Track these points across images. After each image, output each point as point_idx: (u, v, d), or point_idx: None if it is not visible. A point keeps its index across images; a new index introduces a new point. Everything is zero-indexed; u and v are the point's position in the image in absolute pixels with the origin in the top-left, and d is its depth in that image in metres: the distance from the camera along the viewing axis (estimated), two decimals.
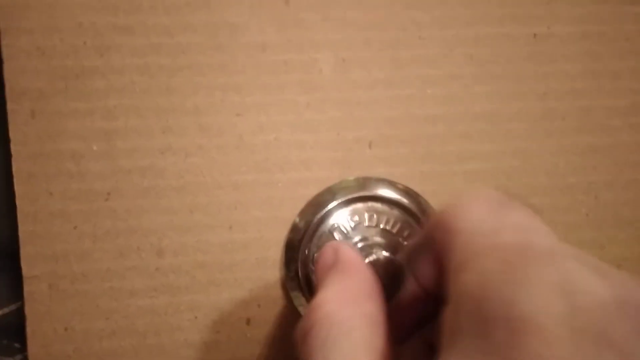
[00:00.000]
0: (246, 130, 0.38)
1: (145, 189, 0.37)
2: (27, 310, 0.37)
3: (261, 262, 0.38)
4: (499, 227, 0.24)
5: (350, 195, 0.38)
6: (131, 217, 0.37)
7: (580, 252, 0.22)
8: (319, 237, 0.38)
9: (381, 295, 0.28)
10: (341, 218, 0.38)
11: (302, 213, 0.38)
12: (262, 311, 0.39)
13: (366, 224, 0.38)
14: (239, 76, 0.38)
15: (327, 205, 0.38)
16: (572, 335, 0.19)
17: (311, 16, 0.38)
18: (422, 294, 0.28)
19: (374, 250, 0.35)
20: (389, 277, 0.31)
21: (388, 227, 0.38)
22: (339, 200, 0.38)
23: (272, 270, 0.38)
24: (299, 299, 0.38)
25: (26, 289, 0.37)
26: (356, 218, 0.38)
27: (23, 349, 0.37)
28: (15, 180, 0.36)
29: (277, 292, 0.39)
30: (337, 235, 0.38)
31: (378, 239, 0.38)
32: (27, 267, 0.36)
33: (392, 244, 0.37)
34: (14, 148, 0.36)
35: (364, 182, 0.39)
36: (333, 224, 0.38)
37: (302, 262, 0.38)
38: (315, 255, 0.38)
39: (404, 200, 0.39)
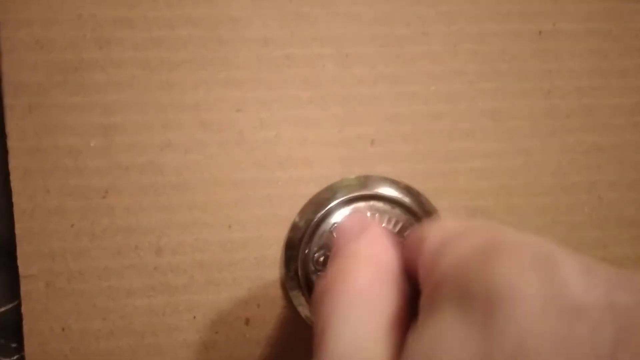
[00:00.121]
0: (247, 127, 0.37)
1: (143, 186, 0.37)
2: (24, 309, 0.36)
3: (260, 262, 0.38)
4: (470, 227, 0.25)
5: (352, 194, 0.38)
6: (129, 214, 0.37)
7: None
8: (319, 236, 0.38)
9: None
10: (342, 217, 0.38)
11: (303, 212, 0.38)
12: (261, 311, 0.38)
13: None
14: (240, 71, 0.37)
15: (328, 204, 0.38)
16: (544, 305, 0.20)
17: (314, 11, 0.38)
18: None
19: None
20: None
21: (390, 226, 0.38)
22: (340, 199, 0.38)
23: (271, 269, 0.38)
24: (298, 299, 0.38)
25: (23, 287, 0.36)
26: None
27: (20, 348, 0.37)
28: (12, 176, 0.36)
29: (277, 292, 0.38)
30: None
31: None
32: (24, 266, 0.36)
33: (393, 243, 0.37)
34: (11, 144, 0.36)
35: (366, 180, 0.39)
36: (334, 223, 0.38)
37: (302, 262, 0.37)
38: (315, 254, 0.37)
39: (406, 199, 0.38)
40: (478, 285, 0.21)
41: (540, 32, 0.40)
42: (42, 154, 0.36)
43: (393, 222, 0.38)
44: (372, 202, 0.38)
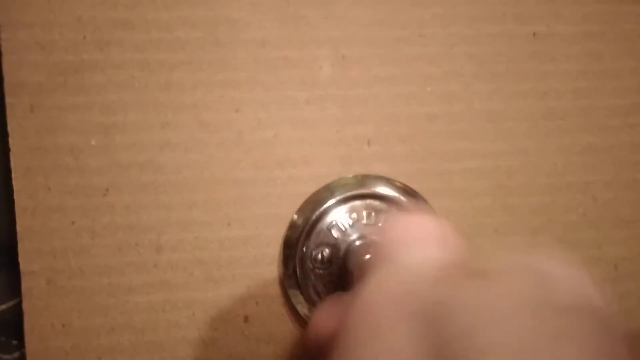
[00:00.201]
0: (245, 127, 0.38)
1: (143, 184, 0.37)
2: (25, 306, 0.37)
3: (259, 259, 0.38)
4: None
5: (349, 193, 0.38)
6: (130, 212, 0.37)
7: None
8: (317, 234, 0.38)
9: None
10: (339, 215, 0.38)
11: (301, 210, 0.38)
12: (259, 308, 0.38)
13: (364, 221, 0.38)
14: (239, 72, 0.38)
15: (326, 202, 0.38)
16: None
17: (312, 12, 0.38)
18: None
19: (372, 249, 0.35)
20: None
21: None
22: (338, 198, 0.38)
23: (270, 267, 0.38)
24: (296, 297, 0.38)
25: (24, 285, 0.36)
26: (354, 215, 0.38)
27: (21, 345, 0.37)
28: (13, 174, 0.36)
29: (275, 290, 0.39)
30: (335, 233, 0.38)
31: (376, 237, 0.37)
32: (25, 263, 0.36)
33: None
34: (12, 142, 0.36)
35: (363, 179, 0.39)
36: (331, 222, 0.38)
37: (300, 260, 0.38)
38: (313, 252, 0.38)
39: (402, 199, 0.39)
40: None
41: (535, 34, 0.40)
42: (43, 152, 0.36)
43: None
44: (368, 201, 0.38)
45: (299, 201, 0.38)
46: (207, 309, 0.38)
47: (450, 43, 0.39)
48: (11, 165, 0.36)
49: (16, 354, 0.38)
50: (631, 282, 0.42)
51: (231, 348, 0.38)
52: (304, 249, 0.38)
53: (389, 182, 0.39)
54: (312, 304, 0.38)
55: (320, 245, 0.38)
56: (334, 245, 0.38)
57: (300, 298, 0.38)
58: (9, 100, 0.36)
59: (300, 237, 0.38)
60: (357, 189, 0.38)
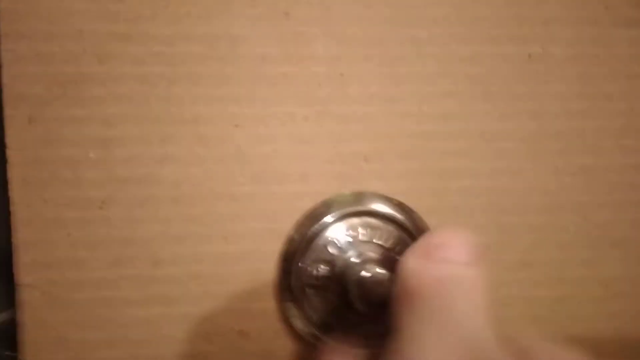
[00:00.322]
0: (244, 142, 0.38)
1: (141, 198, 0.37)
2: (21, 318, 0.36)
3: (256, 274, 0.38)
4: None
5: (346, 210, 0.38)
6: (126, 226, 0.37)
7: None
8: (313, 250, 0.38)
9: None
10: (336, 232, 0.38)
11: (298, 225, 0.38)
12: (256, 323, 0.39)
13: (361, 238, 0.38)
14: (238, 87, 0.38)
15: (322, 218, 0.38)
16: None
17: (311, 30, 0.38)
18: None
19: (368, 266, 0.35)
20: (383, 292, 0.32)
21: (382, 243, 0.38)
22: (335, 214, 0.38)
23: (266, 282, 0.39)
24: (292, 311, 0.38)
25: (20, 296, 0.36)
26: (351, 232, 0.38)
27: (15, 357, 0.37)
28: (10, 186, 0.36)
29: (272, 305, 0.39)
30: (331, 249, 0.38)
31: (372, 255, 0.38)
32: (21, 275, 0.36)
33: (386, 259, 0.37)
34: (10, 154, 0.36)
35: (360, 196, 0.39)
36: (328, 237, 0.38)
37: (296, 275, 0.38)
38: (310, 268, 0.38)
39: (399, 216, 0.39)
40: None
41: (530, 56, 0.41)
42: (41, 164, 0.36)
43: (385, 238, 0.38)
44: (365, 218, 0.39)
45: (296, 216, 0.38)
46: (203, 323, 0.38)
47: (447, 63, 0.40)
48: (8, 176, 0.36)
49: None
50: (622, 301, 0.42)
51: None
52: (301, 265, 0.38)
53: (385, 199, 0.39)
54: (307, 319, 0.38)
55: (317, 261, 0.38)
56: (331, 262, 0.38)
57: (296, 312, 0.38)
58: (7, 111, 0.36)
59: (296, 252, 0.38)
60: (354, 206, 0.38)
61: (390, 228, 0.39)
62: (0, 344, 0.37)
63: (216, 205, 0.38)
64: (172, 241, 0.37)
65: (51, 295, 0.37)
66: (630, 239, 0.42)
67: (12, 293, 0.36)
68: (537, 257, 0.41)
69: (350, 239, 0.38)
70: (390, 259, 0.38)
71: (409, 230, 0.39)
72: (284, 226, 0.38)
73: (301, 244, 0.38)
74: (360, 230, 0.38)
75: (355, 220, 0.39)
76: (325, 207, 0.39)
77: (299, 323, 0.38)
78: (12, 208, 0.36)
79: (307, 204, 0.39)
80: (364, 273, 0.34)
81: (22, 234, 0.36)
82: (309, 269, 0.38)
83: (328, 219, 0.38)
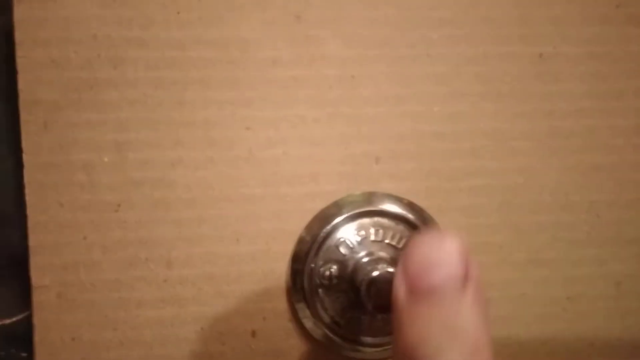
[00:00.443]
0: (256, 144, 0.38)
1: (155, 200, 0.38)
2: (36, 319, 0.37)
3: (267, 275, 0.39)
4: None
5: (357, 210, 0.39)
6: (141, 228, 0.38)
7: None
8: (325, 250, 0.38)
9: None
10: (347, 232, 0.38)
11: (309, 226, 0.39)
12: (267, 323, 0.39)
13: (372, 238, 0.39)
14: (250, 91, 0.38)
15: (334, 219, 0.39)
16: None
17: (322, 33, 0.39)
18: None
19: (379, 266, 0.35)
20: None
21: (393, 242, 0.39)
22: (346, 215, 0.39)
23: (278, 282, 0.39)
24: (304, 312, 0.39)
25: (35, 298, 0.37)
26: (362, 232, 0.39)
27: (30, 358, 0.37)
28: (26, 190, 0.37)
29: (283, 305, 0.39)
30: (343, 250, 0.38)
31: (383, 254, 0.38)
32: (37, 277, 0.37)
33: (397, 259, 0.37)
34: (26, 158, 0.37)
35: (370, 196, 0.39)
36: (339, 238, 0.38)
37: (308, 275, 0.38)
38: (321, 268, 0.38)
39: (409, 216, 0.39)
40: None
41: (541, 55, 0.41)
42: (57, 168, 0.37)
43: (397, 238, 0.39)
44: (376, 218, 0.39)
45: (308, 218, 0.39)
46: (216, 323, 0.38)
47: (458, 63, 0.40)
48: (24, 180, 0.37)
49: None
50: (634, 300, 0.42)
51: None
52: (312, 265, 0.38)
53: (396, 199, 0.39)
54: (319, 319, 0.38)
55: (328, 261, 0.38)
56: (342, 262, 0.38)
57: (307, 313, 0.39)
58: (23, 116, 0.36)
59: (308, 253, 0.38)
60: (365, 207, 0.39)
61: (401, 228, 0.39)
62: (15, 345, 0.38)
63: (228, 207, 0.38)
64: (185, 243, 0.38)
65: (66, 297, 0.37)
66: None
67: (27, 295, 0.37)
68: (549, 256, 0.42)
69: (361, 239, 0.38)
70: None
71: (420, 229, 0.39)
72: (296, 227, 0.39)
73: (312, 245, 0.38)
74: (371, 230, 0.39)
75: (366, 221, 0.39)
76: (336, 208, 0.39)
77: (310, 323, 0.39)
78: (28, 212, 0.37)
79: (318, 205, 0.39)
80: (375, 273, 0.34)
81: (38, 237, 0.37)
82: (320, 269, 0.38)
83: (339, 219, 0.39)
